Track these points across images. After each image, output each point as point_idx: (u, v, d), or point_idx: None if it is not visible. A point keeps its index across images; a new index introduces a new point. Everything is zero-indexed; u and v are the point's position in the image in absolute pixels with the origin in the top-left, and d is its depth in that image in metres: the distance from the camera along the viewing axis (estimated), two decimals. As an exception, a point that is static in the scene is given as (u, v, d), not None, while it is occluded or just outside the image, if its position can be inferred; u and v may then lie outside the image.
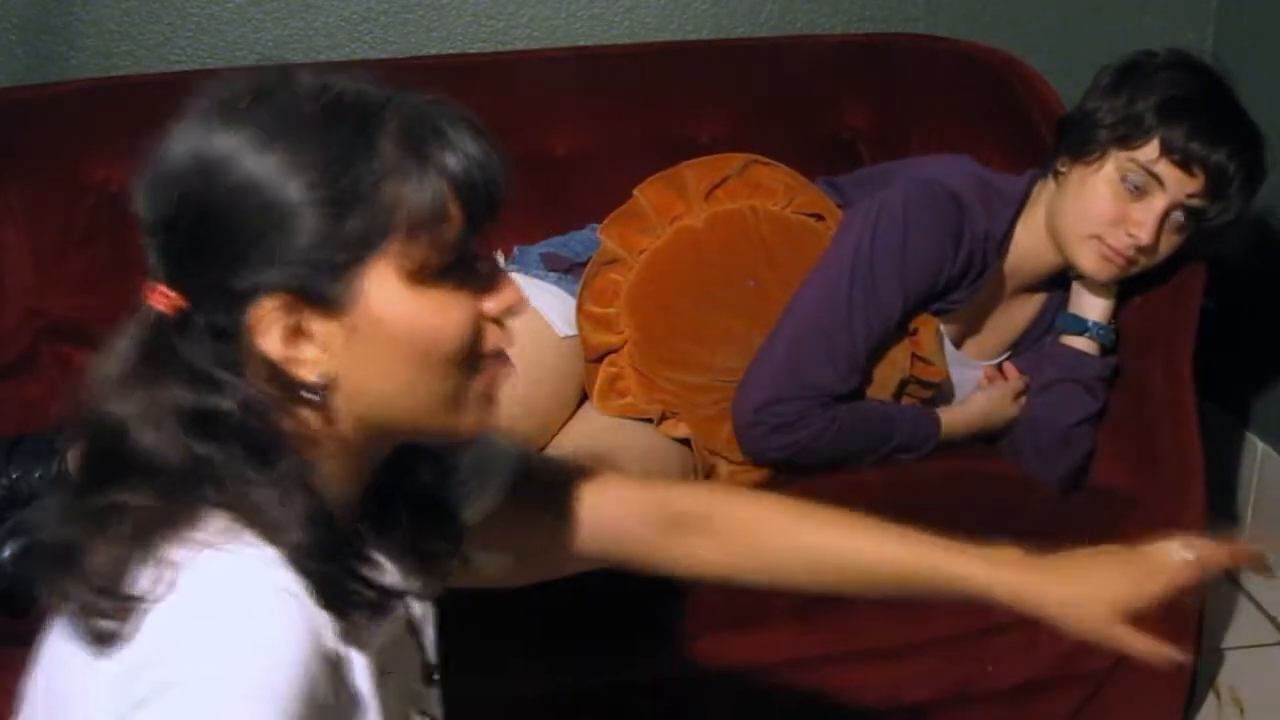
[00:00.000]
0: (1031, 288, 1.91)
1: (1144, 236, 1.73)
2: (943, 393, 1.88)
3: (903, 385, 1.82)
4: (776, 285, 1.78)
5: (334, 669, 0.86)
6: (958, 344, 1.89)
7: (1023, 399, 1.90)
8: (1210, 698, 2.04)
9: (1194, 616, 1.86)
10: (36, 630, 0.90)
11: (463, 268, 0.89)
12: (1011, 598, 1.16)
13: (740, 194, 1.82)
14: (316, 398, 0.88)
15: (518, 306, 0.92)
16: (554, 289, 1.80)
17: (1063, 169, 1.80)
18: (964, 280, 1.78)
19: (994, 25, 2.42)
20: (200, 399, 0.86)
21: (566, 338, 1.77)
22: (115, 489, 0.86)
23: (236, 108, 0.87)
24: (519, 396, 1.68)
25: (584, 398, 1.78)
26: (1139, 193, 1.74)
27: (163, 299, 0.86)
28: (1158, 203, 1.73)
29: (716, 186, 1.82)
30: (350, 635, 0.88)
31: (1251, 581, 2.31)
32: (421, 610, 1.03)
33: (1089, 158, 1.76)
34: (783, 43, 2.32)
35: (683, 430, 1.73)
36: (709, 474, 1.74)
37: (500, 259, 1.87)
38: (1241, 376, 2.40)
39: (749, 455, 1.76)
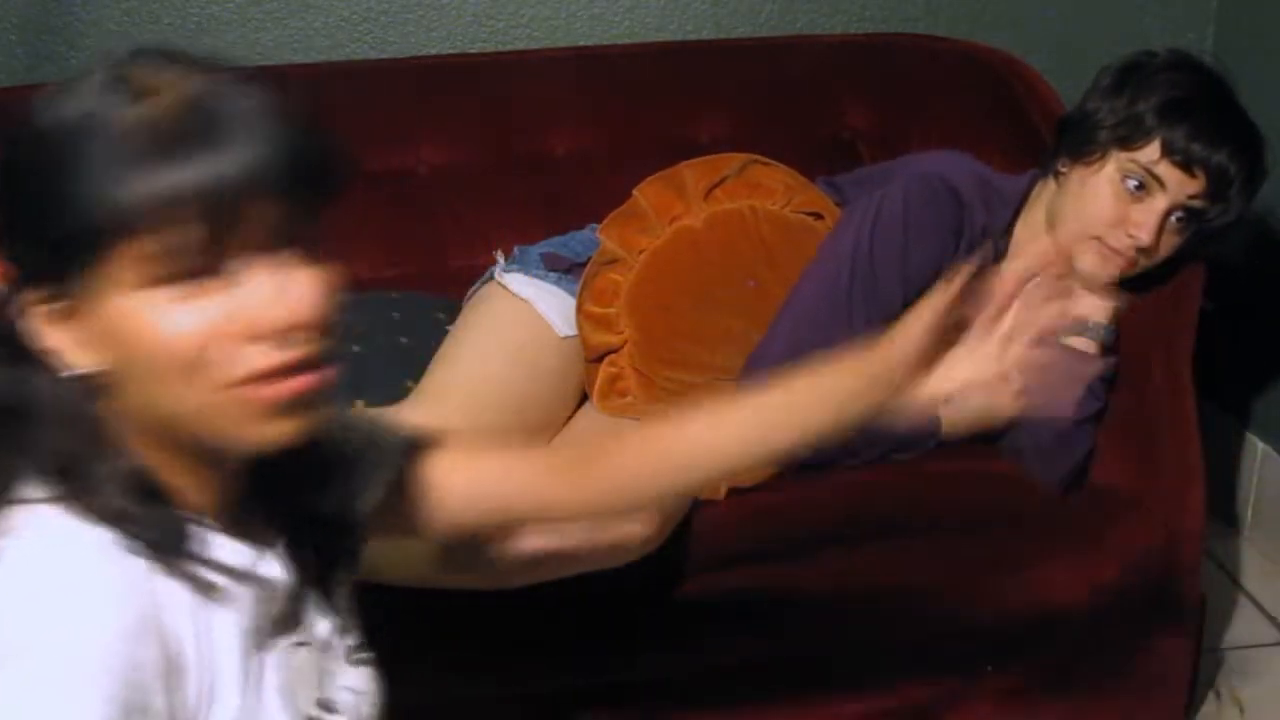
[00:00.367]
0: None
1: (1144, 237, 1.73)
2: (943, 393, 1.88)
3: (903, 385, 1.82)
4: (776, 285, 1.78)
5: (168, 638, 0.87)
6: (958, 344, 1.89)
7: (1023, 399, 1.90)
8: (1210, 698, 2.04)
9: (1194, 616, 1.86)
10: None
11: (207, 278, 0.86)
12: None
13: (739, 194, 1.82)
14: (97, 387, 0.88)
15: (284, 324, 0.88)
16: (554, 289, 1.80)
17: (1063, 169, 1.80)
18: (964, 279, 1.78)
19: (994, 25, 2.42)
20: (18, 372, 0.89)
21: (566, 338, 1.77)
22: None
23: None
24: (519, 396, 1.69)
25: (584, 398, 1.78)
26: (1140, 194, 1.74)
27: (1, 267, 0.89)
28: (1158, 204, 1.73)
29: (716, 186, 1.82)
30: (201, 605, 0.90)
31: (1251, 581, 2.31)
32: (333, 593, 1.05)
33: (1089, 158, 1.76)
34: (783, 43, 2.32)
35: (683, 430, 1.72)
36: (709, 474, 1.74)
37: (500, 259, 1.87)
38: (1241, 376, 2.40)
39: (749, 455, 1.76)
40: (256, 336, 0.87)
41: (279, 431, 0.90)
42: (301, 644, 1.01)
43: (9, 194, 0.88)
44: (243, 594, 0.95)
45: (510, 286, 1.80)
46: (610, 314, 1.76)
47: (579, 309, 1.77)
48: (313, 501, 1.04)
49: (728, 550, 1.73)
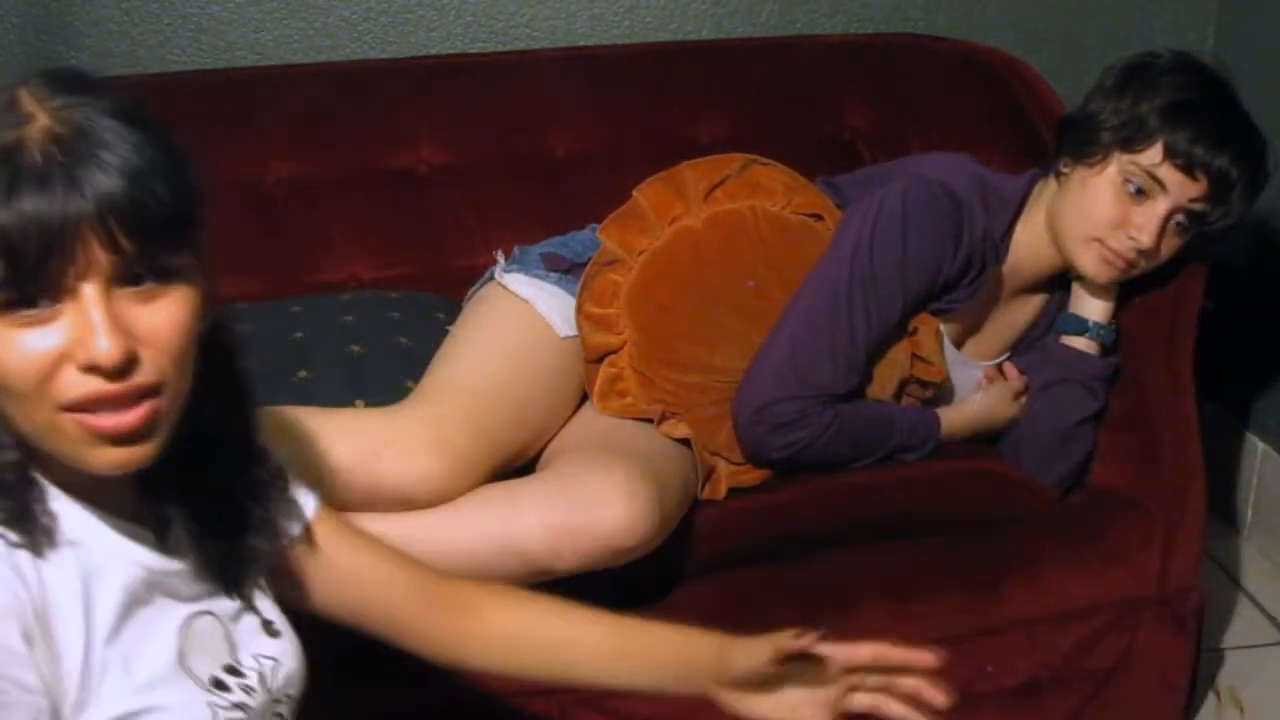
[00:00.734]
0: (1032, 288, 1.91)
1: (1145, 240, 1.73)
2: (943, 393, 1.88)
3: (903, 385, 1.82)
4: (776, 285, 1.78)
5: (30, 612, 0.94)
6: (958, 344, 1.89)
7: (1023, 399, 1.91)
8: (1210, 698, 2.05)
9: (1194, 616, 1.86)
10: None
11: (26, 308, 0.91)
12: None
13: (739, 194, 1.82)
14: None
15: (98, 359, 0.91)
16: (554, 289, 1.80)
17: (1064, 170, 1.80)
18: (963, 280, 1.78)
19: (994, 25, 2.42)
20: None
21: (566, 338, 1.77)
22: None
23: None
24: (519, 396, 1.69)
25: (584, 398, 1.78)
26: (1141, 196, 1.74)
27: None
28: (1159, 206, 1.73)
29: (716, 187, 1.82)
30: (70, 575, 0.96)
31: (1251, 581, 2.31)
32: (243, 582, 1.11)
33: (1091, 159, 1.76)
34: (783, 43, 2.32)
35: (683, 430, 1.73)
36: (709, 474, 1.74)
37: (500, 259, 1.87)
38: (1241, 376, 2.40)
39: (749, 455, 1.76)
40: (87, 367, 0.91)
41: (112, 459, 0.95)
42: (204, 614, 1.06)
43: None
44: (119, 565, 1.00)
45: (510, 286, 1.80)
46: (610, 314, 1.76)
47: (579, 309, 1.77)
48: (209, 507, 1.09)
49: (728, 550, 1.73)
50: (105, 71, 2.15)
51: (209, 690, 1.04)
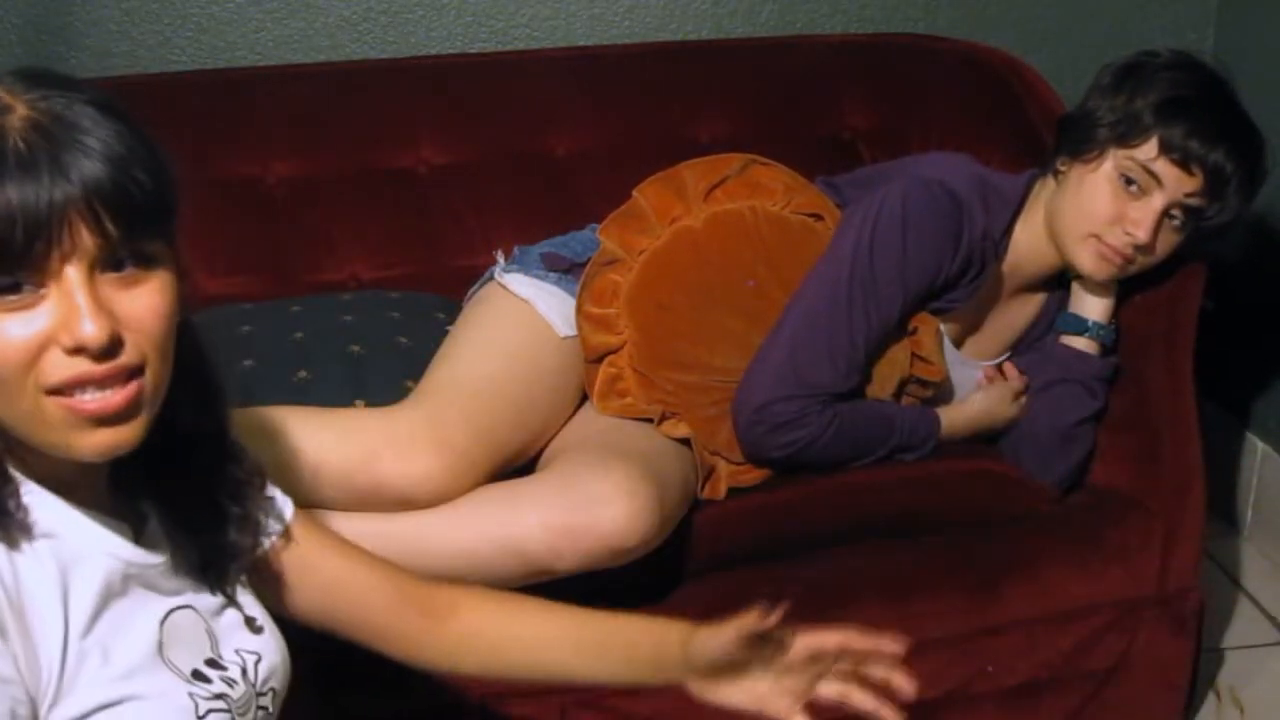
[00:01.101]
0: (1031, 288, 1.91)
1: (1141, 235, 1.73)
2: (942, 393, 1.88)
3: (903, 385, 1.82)
4: (776, 285, 1.78)
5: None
6: (957, 344, 1.89)
7: (1023, 399, 1.91)
8: (1210, 698, 2.05)
9: (1194, 616, 1.86)
10: None
11: (33, 292, 0.92)
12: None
13: (739, 194, 1.82)
14: None
15: (84, 340, 0.92)
16: (554, 289, 1.80)
17: (1062, 168, 1.81)
18: (963, 280, 1.78)
19: (994, 25, 2.42)
20: None
21: (566, 338, 1.77)
22: None
23: None
24: (519, 396, 1.69)
25: (584, 398, 1.78)
26: (1137, 192, 1.74)
27: None
28: (1156, 202, 1.73)
29: (716, 187, 1.82)
30: (49, 565, 0.97)
31: (1251, 581, 2.31)
32: (225, 578, 1.12)
33: (1088, 156, 1.76)
34: (783, 43, 2.32)
35: (683, 430, 1.73)
36: (709, 474, 1.74)
37: (500, 259, 1.87)
38: (1241, 376, 2.41)
39: (749, 455, 1.76)
40: (73, 349, 0.92)
41: (98, 441, 0.96)
42: (184, 608, 1.07)
43: None
44: (96, 556, 1.01)
45: (510, 286, 1.80)
46: (610, 314, 1.76)
47: (579, 310, 1.77)
48: (184, 503, 1.10)
49: (728, 550, 1.73)
50: (105, 72, 2.16)
51: (188, 681, 1.05)
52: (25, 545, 0.97)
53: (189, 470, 1.10)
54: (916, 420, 1.81)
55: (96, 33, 2.17)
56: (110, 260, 0.94)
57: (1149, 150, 1.72)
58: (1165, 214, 1.74)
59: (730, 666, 1.21)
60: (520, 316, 1.77)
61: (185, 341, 1.03)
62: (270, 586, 1.19)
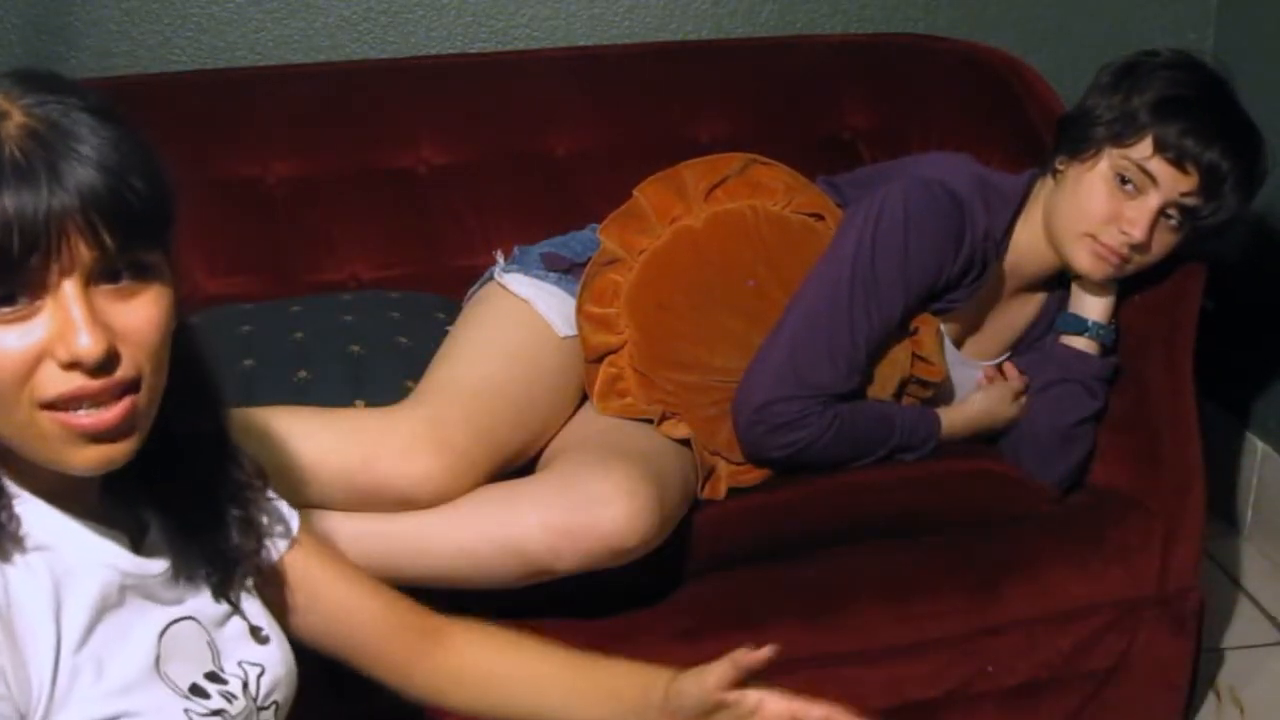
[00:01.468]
0: (1031, 288, 1.91)
1: (1137, 234, 1.73)
2: (943, 393, 1.88)
3: (903, 385, 1.82)
4: (776, 285, 1.78)
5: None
6: (958, 344, 1.89)
7: (1023, 399, 1.91)
8: (1210, 698, 2.05)
9: (1194, 616, 1.86)
10: None
11: (29, 304, 0.91)
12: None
13: (740, 194, 1.82)
14: None
15: (81, 355, 0.91)
16: (554, 289, 1.80)
17: (1060, 167, 1.81)
18: (964, 280, 1.78)
19: (994, 25, 2.42)
20: None
21: (566, 338, 1.77)
22: None
23: None
24: (519, 396, 1.69)
25: (584, 398, 1.78)
26: (1133, 191, 1.74)
27: None
28: (1151, 200, 1.73)
29: (716, 186, 1.82)
30: (44, 581, 0.96)
31: (1251, 581, 2.31)
32: (231, 586, 1.12)
33: (1085, 155, 1.76)
34: (783, 43, 2.32)
35: (683, 430, 1.73)
36: (709, 474, 1.74)
37: (500, 259, 1.87)
38: (1241, 376, 2.41)
39: (749, 455, 1.76)
40: (69, 363, 0.91)
41: (91, 457, 0.95)
42: (185, 619, 1.06)
43: None
44: (92, 568, 1.00)
45: (510, 286, 1.80)
46: (610, 314, 1.76)
47: (579, 309, 1.77)
48: (184, 508, 1.09)
49: (728, 550, 1.73)
50: (105, 72, 2.16)
51: (185, 696, 1.03)
52: (18, 557, 0.96)
53: (187, 474, 1.09)
54: (917, 420, 1.81)
55: (96, 33, 2.17)
56: (106, 271, 0.92)
57: (1144, 149, 1.72)
58: (1161, 213, 1.74)
59: (704, 712, 1.19)
60: (520, 316, 1.77)
61: (181, 343, 1.02)
62: (276, 598, 1.18)
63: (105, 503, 1.04)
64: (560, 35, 2.31)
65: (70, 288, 0.90)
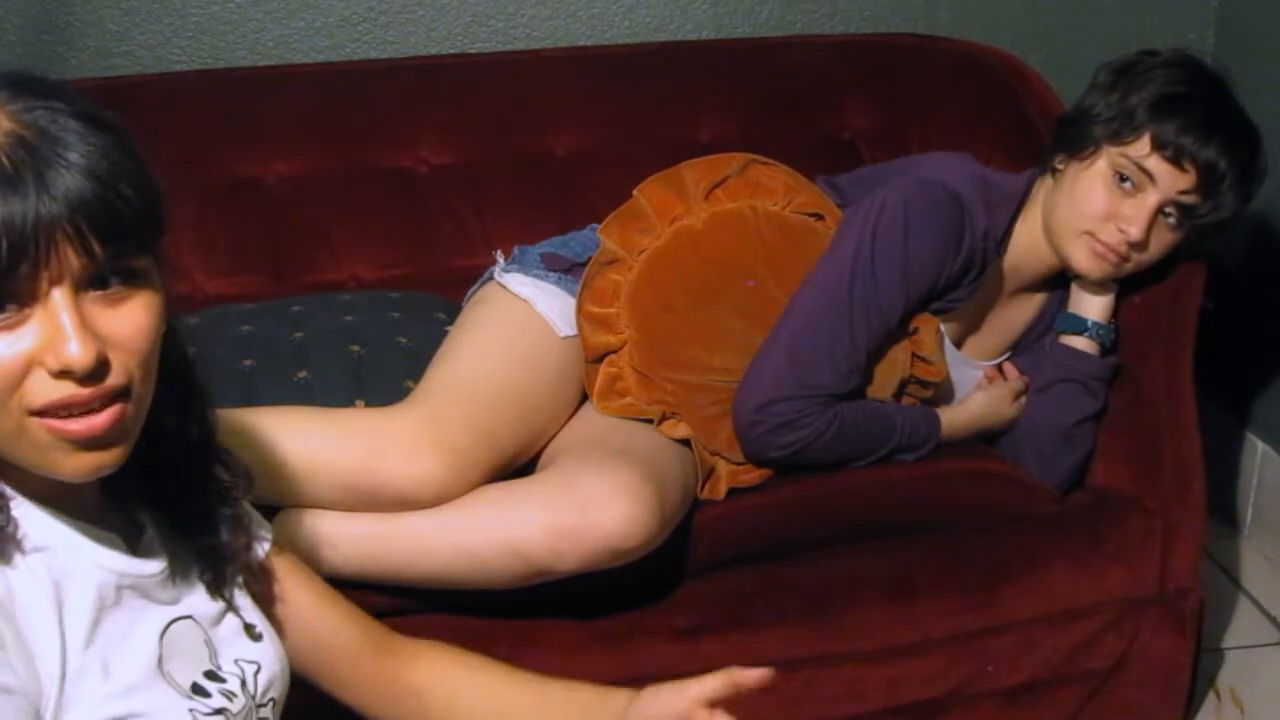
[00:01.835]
0: (1031, 287, 1.91)
1: (1134, 232, 1.73)
2: (943, 393, 1.88)
3: (903, 385, 1.82)
4: (776, 285, 1.78)
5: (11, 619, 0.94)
6: (958, 344, 1.89)
7: (1023, 399, 1.91)
8: (1210, 698, 2.04)
9: (1194, 616, 1.86)
10: None
11: (18, 310, 0.90)
12: None
13: (740, 194, 1.82)
14: None
15: (70, 362, 0.90)
16: (554, 289, 1.80)
17: (1059, 166, 1.81)
18: (964, 279, 1.78)
19: (994, 25, 2.42)
20: None
21: (566, 338, 1.77)
22: None
23: None
24: (519, 396, 1.69)
25: (584, 398, 1.78)
26: (1131, 189, 1.74)
27: None
28: (1149, 199, 1.73)
29: (716, 186, 1.82)
30: (41, 580, 0.96)
31: (1251, 581, 2.31)
32: (224, 584, 1.12)
33: (1083, 154, 1.77)
34: (783, 43, 2.32)
35: (683, 430, 1.73)
36: (709, 474, 1.74)
37: (500, 259, 1.87)
38: (1241, 376, 2.41)
39: (749, 455, 1.76)
40: (59, 371, 0.91)
41: (82, 464, 0.94)
42: (183, 618, 1.06)
43: None
44: (88, 569, 1.00)
45: (510, 286, 1.80)
46: (610, 314, 1.76)
47: (579, 309, 1.77)
48: (176, 509, 1.10)
49: (728, 550, 1.73)
50: (105, 72, 2.16)
51: (188, 696, 1.03)
52: (18, 559, 0.96)
53: (177, 475, 1.09)
54: (917, 420, 1.81)
55: (96, 33, 2.17)
56: (96, 279, 0.92)
57: (1142, 147, 1.72)
58: (1159, 211, 1.74)
59: None
60: (520, 316, 1.77)
61: (169, 345, 1.02)
62: (264, 595, 1.19)
63: (102, 505, 1.05)
64: (560, 35, 2.31)
65: (59, 296, 0.90)
